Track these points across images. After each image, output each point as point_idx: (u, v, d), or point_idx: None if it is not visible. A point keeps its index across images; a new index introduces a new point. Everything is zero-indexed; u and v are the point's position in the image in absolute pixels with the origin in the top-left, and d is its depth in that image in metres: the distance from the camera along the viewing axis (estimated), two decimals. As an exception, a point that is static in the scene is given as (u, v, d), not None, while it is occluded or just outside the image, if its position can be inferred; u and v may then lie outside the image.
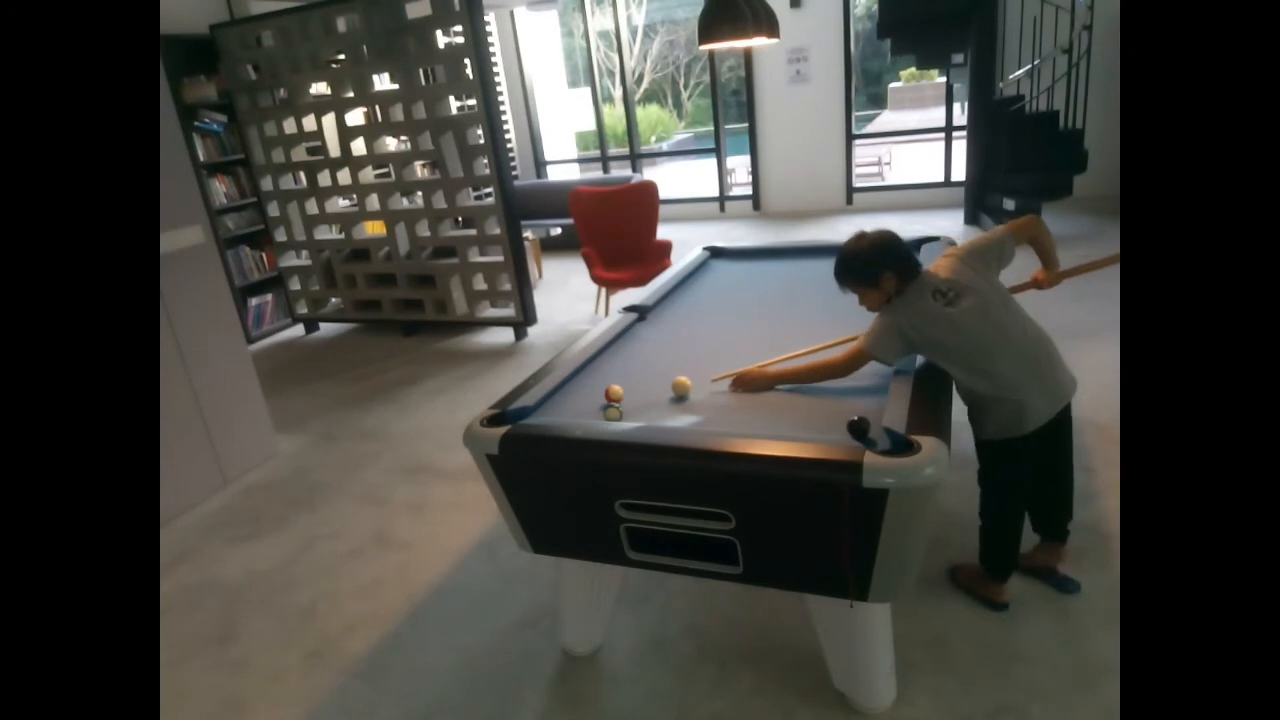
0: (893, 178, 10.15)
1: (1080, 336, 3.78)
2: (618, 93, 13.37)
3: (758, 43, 2.89)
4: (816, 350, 2.08)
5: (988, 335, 1.82)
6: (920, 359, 1.95)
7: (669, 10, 17.91)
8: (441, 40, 4.85)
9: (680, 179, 12.06)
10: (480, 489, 2.95)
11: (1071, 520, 2.19)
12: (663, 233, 5.65)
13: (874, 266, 1.89)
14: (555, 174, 9.55)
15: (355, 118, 5.19)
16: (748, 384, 2.00)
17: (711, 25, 2.81)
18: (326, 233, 5.64)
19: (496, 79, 7.44)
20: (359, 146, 5.15)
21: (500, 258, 5.05)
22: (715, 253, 3.58)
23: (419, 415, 4.08)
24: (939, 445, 1.51)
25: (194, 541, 3.05)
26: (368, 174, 5.28)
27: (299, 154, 5.38)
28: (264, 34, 5.17)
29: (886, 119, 17.49)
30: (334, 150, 5.25)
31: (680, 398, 2.00)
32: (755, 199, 8.46)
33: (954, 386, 1.94)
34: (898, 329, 1.85)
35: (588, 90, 9.35)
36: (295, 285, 5.81)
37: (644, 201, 5.45)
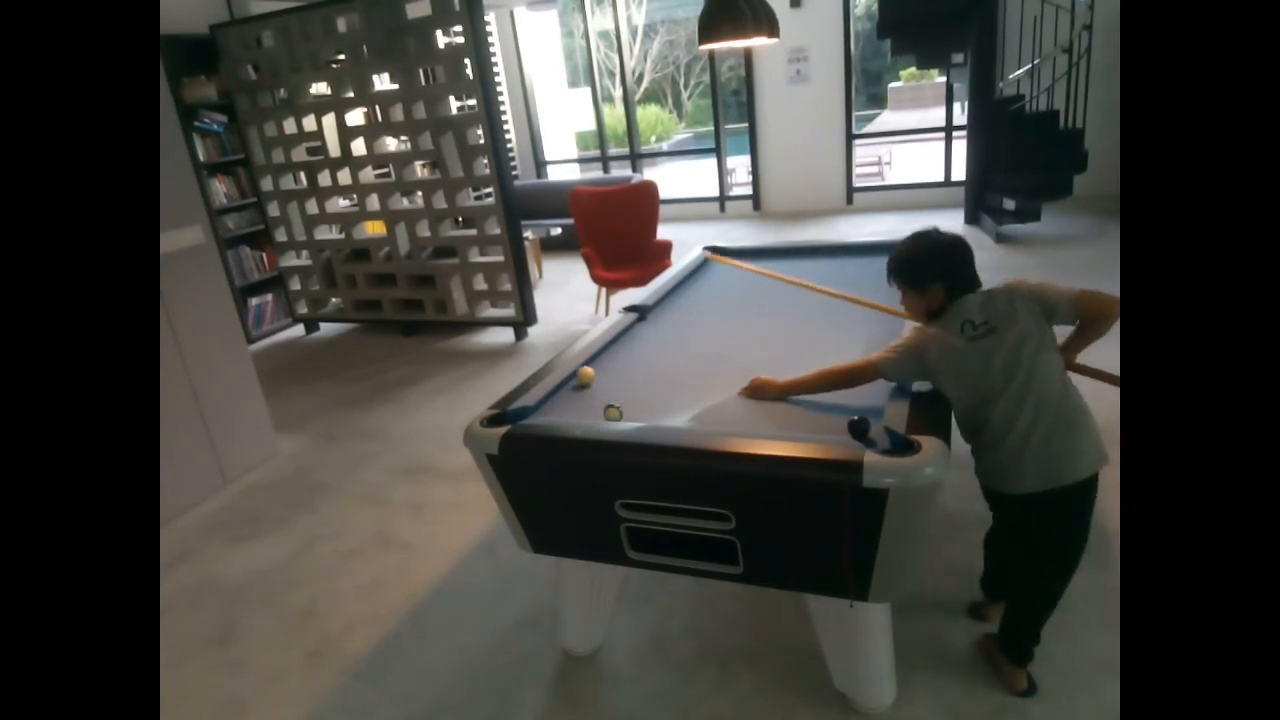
0: (893, 177, 10.14)
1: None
2: (618, 93, 13.37)
3: (758, 42, 2.88)
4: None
5: (993, 380, 1.66)
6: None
7: (669, 10, 17.90)
8: (441, 40, 4.85)
9: (680, 179, 12.06)
10: (480, 489, 2.94)
11: (1031, 646, 1.88)
12: (663, 233, 5.65)
13: (925, 272, 1.76)
14: (555, 174, 9.55)
15: (355, 118, 5.20)
16: (756, 392, 1.95)
17: (711, 25, 2.81)
18: (326, 233, 5.64)
19: (496, 79, 7.44)
20: (359, 146, 5.15)
21: (500, 258, 5.05)
22: (715, 252, 3.58)
23: (419, 415, 4.08)
24: (939, 445, 1.51)
25: (194, 541, 3.05)
26: (368, 174, 5.28)
27: (299, 154, 5.38)
28: (264, 34, 5.17)
29: (886, 119, 17.48)
30: (334, 150, 5.25)
31: (583, 386, 2.11)
32: (755, 199, 8.46)
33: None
34: (918, 356, 1.74)
35: (588, 90, 9.35)
36: (295, 285, 5.81)
37: (644, 201, 5.45)
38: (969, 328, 1.70)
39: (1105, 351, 1.77)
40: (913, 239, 1.84)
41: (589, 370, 2.15)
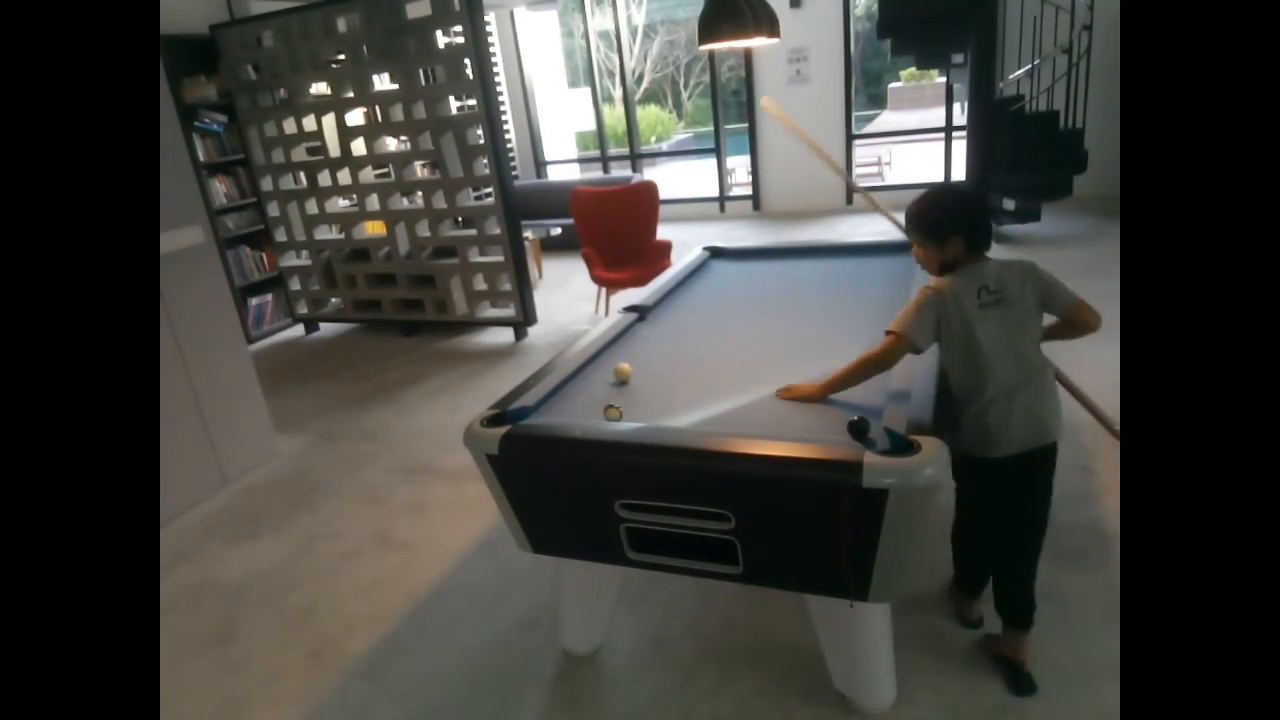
0: (893, 178, 10.14)
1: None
2: (618, 93, 13.36)
3: (758, 43, 2.88)
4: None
5: (995, 351, 1.74)
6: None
7: (669, 10, 17.91)
8: (441, 40, 4.85)
9: (680, 179, 12.06)
10: (480, 489, 2.94)
11: (1032, 610, 1.90)
12: (663, 233, 5.65)
13: (947, 224, 1.77)
14: (555, 174, 9.55)
15: (355, 118, 5.20)
16: (795, 396, 1.92)
17: (711, 25, 2.81)
18: (326, 233, 5.64)
19: (496, 79, 7.44)
20: (359, 146, 5.15)
21: (500, 258, 5.05)
22: (715, 253, 3.58)
23: (419, 415, 4.08)
24: (939, 445, 1.51)
25: (194, 541, 3.05)
26: (368, 174, 5.29)
27: (299, 154, 5.38)
28: (264, 34, 5.17)
29: (886, 119, 17.49)
30: (334, 150, 5.25)
31: (622, 383, 2.09)
32: (755, 199, 8.46)
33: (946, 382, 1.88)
34: (939, 305, 1.75)
35: (588, 90, 9.35)
36: (295, 285, 5.81)
37: (644, 201, 5.45)
38: (985, 293, 1.75)
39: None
40: (935, 190, 1.86)
41: (626, 367, 2.14)
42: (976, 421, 1.79)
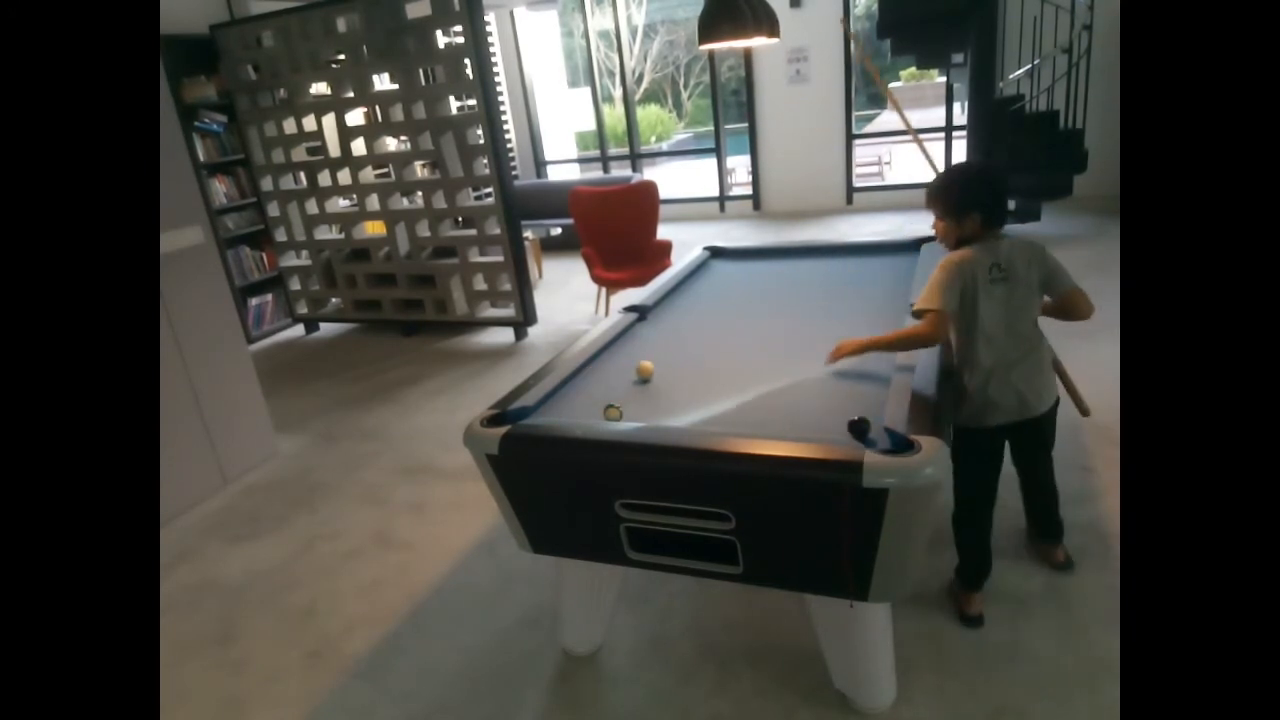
0: (893, 177, 10.13)
1: (1080, 336, 3.77)
2: (618, 93, 13.36)
3: (758, 43, 2.88)
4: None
5: (997, 326, 1.89)
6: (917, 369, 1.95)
7: (669, 10, 17.89)
8: (441, 40, 4.85)
9: (680, 179, 12.05)
10: (480, 489, 2.94)
11: (1060, 530, 2.27)
12: (663, 233, 5.65)
13: (966, 201, 1.90)
14: (555, 174, 9.55)
15: (355, 118, 5.20)
16: (839, 352, 1.98)
17: (711, 25, 2.81)
18: (326, 233, 5.64)
19: (496, 79, 7.44)
20: (359, 146, 5.15)
21: (500, 258, 5.05)
22: (715, 252, 3.58)
23: (419, 415, 4.08)
24: (939, 445, 1.51)
25: (194, 541, 3.05)
26: (368, 174, 5.28)
27: (299, 154, 5.38)
28: (264, 34, 5.17)
29: (886, 119, 17.45)
30: (334, 150, 5.25)
31: (644, 380, 2.11)
32: (755, 199, 8.46)
33: (951, 358, 2.00)
34: (959, 278, 1.86)
35: (588, 90, 9.35)
36: (295, 285, 5.81)
37: (644, 201, 5.45)
38: (995, 270, 1.86)
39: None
40: (955, 167, 2.02)
41: (649, 365, 2.15)
42: (979, 393, 1.92)
